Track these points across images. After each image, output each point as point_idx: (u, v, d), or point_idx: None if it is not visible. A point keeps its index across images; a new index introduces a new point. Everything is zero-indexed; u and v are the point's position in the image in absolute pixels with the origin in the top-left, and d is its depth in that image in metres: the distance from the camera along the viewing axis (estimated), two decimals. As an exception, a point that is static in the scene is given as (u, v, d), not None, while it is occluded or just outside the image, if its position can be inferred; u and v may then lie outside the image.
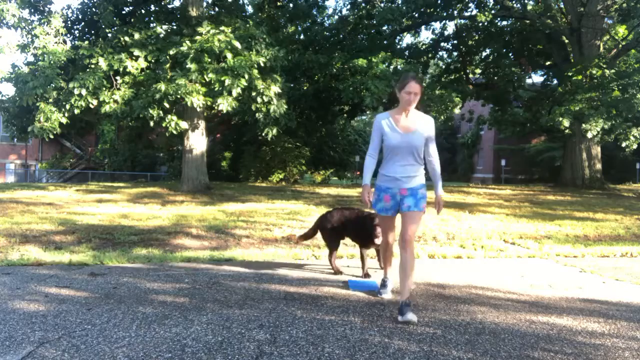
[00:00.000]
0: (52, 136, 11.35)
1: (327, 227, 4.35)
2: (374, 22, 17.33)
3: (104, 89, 11.00)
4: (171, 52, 11.10)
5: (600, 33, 16.90)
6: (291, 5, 18.44)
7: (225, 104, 10.75)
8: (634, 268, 4.96)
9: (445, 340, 2.81)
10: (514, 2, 18.84)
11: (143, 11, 13.62)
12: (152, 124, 11.51)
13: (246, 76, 10.77)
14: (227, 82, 10.56)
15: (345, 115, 22.27)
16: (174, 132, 11.60)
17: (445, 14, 18.63)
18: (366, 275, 4.20)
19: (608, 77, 14.88)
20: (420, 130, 3.35)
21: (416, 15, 18.22)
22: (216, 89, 10.77)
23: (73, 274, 4.24)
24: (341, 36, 18.01)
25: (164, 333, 2.81)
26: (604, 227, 7.64)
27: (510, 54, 20.49)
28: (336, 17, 21.21)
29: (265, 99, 11.56)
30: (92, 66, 10.90)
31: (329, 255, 4.42)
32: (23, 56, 24.95)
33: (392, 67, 16.24)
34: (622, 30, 16.28)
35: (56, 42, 11.31)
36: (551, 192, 14.90)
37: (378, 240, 3.84)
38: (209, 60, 10.78)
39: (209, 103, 11.09)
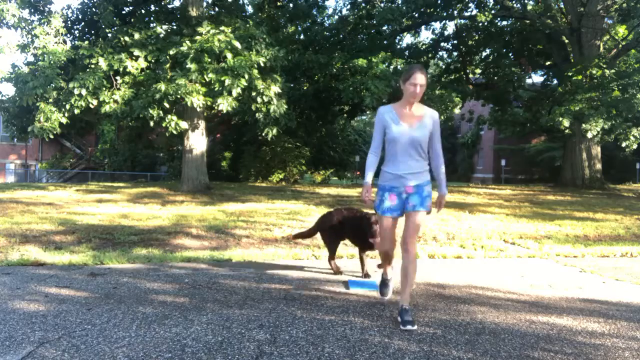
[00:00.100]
0: (52, 136, 11.35)
1: (326, 227, 4.34)
2: (374, 22, 17.33)
3: (104, 89, 11.00)
4: (171, 52, 11.10)
5: (600, 33, 16.90)
6: (291, 5, 18.44)
7: (225, 104, 10.75)
8: (634, 268, 4.96)
9: (445, 340, 2.81)
10: (514, 2, 18.84)
11: (143, 11, 13.62)
12: (152, 124, 11.51)
13: (246, 76, 10.77)
14: (227, 82, 10.56)
15: (345, 115, 22.27)
16: (174, 132, 11.60)
17: (445, 14, 18.64)
18: (366, 275, 4.20)
19: (608, 77, 14.88)
20: (425, 124, 3.20)
21: (416, 15, 18.22)
22: (216, 89, 10.77)
23: (73, 274, 4.24)
24: (341, 36, 18.02)
25: (164, 333, 2.81)
26: (604, 227, 7.64)
27: (510, 54, 20.50)
28: (336, 17, 21.23)
29: (265, 99, 11.56)
30: (92, 66, 10.91)
31: (328, 255, 4.41)
32: (23, 56, 24.98)
33: (392, 67, 16.23)
34: (622, 30, 16.28)
35: (56, 42, 11.31)
36: (551, 192, 14.90)
37: (375, 241, 3.73)
38: (209, 60, 10.78)
39: (209, 103, 11.09)
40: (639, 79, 14.43)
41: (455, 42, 20.99)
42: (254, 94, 11.40)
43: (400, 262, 3.24)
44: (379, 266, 4.14)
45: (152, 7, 13.80)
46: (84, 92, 10.70)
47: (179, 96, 10.71)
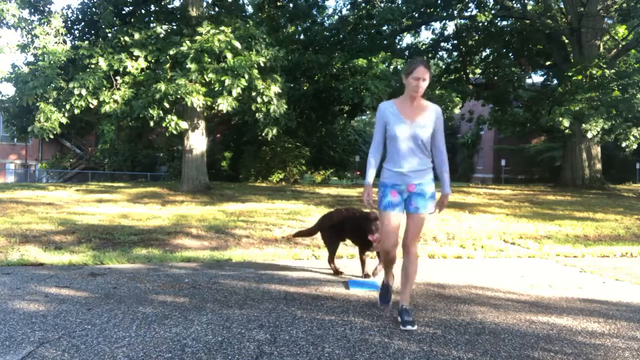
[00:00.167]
0: (52, 136, 11.36)
1: (326, 227, 4.35)
2: (374, 22, 17.33)
3: (104, 89, 11.01)
4: (171, 52, 11.10)
5: (600, 33, 16.90)
6: (291, 5, 18.45)
7: (225, 104, 10.76)
8: (634, 268, 4.96)
9: (445, 340, 2.81)
10: (514, 2, 18.84)
11: (143, 11, 13.62)
12: (152, 124, 11.52)
13: (246, 76, 10.78)
14: (227, 82, 10.56)
15: (345, 115, 22.28)
16: (174, 132, 11.60)
17: (445, 14, 18.64)
18: (366, 275, 4.19)
19: (608, 77, 14.88)
20: (428, 119, 3.07)
21: (416, 15, 18.22)
22: (216, 89, 10.78)
23: (73, 274, 4.24)
24: (341, 36, 18.02)
25: (164, 333, 2.81)
26: (604, 227, 7.64)
27: (510, 54, 20.50)
28: (336, 17, 21.23)
29: (265, 99, 11.56)
30: (92, 66, 10.91)
31: (328, 256, 4.41)
32: (23, 56, 25.00)
33: (392, 67, 16.24)
34: (622, 30, 16.29)
35: (56, 42, 11.32)
36: (551, 192, 14.90)
37: (374, 238, 3.63)
38: (209, 60, 10.78)
39: (209, 103, 11.09)
40: (639, 79, 14.43)
41: (455, 42, 20.99)
42: (254, 94, 11.40)
43: (401, 263, 3.21)
44: (373, 273, 4.10)
45: (152, 7, 13.81)
46: (84, 92, 10.71)
47: (179, 96, 10.71)
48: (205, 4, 14.19)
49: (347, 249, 5.31)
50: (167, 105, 10.99)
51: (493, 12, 18.64)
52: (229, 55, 10.83)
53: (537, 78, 24.17)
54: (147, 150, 27.62)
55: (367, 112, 23.84)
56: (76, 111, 11.01)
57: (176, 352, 2.54)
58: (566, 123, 14.94)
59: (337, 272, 4.35)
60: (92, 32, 13.13)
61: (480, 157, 40.11)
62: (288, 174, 19.27)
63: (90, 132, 29.19)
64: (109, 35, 11.79)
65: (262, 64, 11.39)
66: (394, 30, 17.99)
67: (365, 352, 2.60)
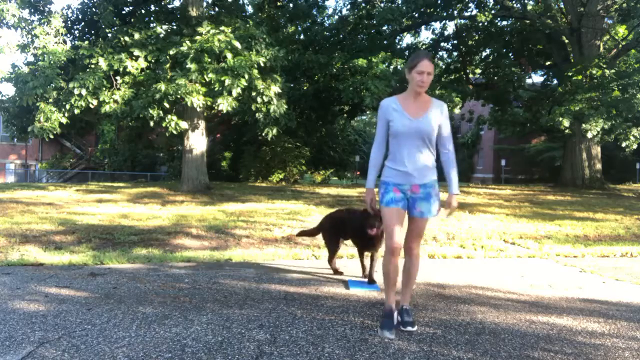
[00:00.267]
0: (52, 136, 11.36)
1: (327, 227, 4.35)
2: (374, 22, 17.33)
3: (104, 89, 11.01)
4: (171, 52, 11.10)
5: (600, 33, 16.90)
6: (291, 5, 18.45)
7: (225, 104, 10.76)
8: (634, 268, 4.96)
9: (445, 340, 2.81)
10: (514, 2, 18.84)
11: (143, 11, 13.62)
12: (152, 124, 11.51)
13: (246, 76, 10.78)
14: (227, 82, 10.56)
15: (345, 115, 22.27)
16: (174, 132, 11.60)
17: (445, 14, 18.64)
18: (369, 279, 4.18)
19: (608, 77, 14.88)
20: (433, 115, 2.93)
21: (416, 15, 18.22)
22: (216, 89, 10.78)
23: (73, 274, 4.24)
24: (341, 36, 18.02)
25: (164, 333, 2.81)
26: (604, 227, 7.65)
27: (510, 54, 20.50)
28: (336, 17, 21.23)
29: (265, 99, 11.56)
30: (92, 66, 10.91)
31: (328, 256, 4.41)
32: (23, 56, 25.02)
33: (392, 67, 16.23)
34: (622, 30, 16.29)
35: (56, 42, 11.32)
36: (551, 192, 14.90)
37: (374, 232, 3.51)
38: (209, 60, 10.78)
39: (209, 103, 11.09)
40: (639, 79, 14.43)
41: (455, 42, 20.99)
42: (254, 94, 11.40)
43: (402, 263, 3.14)
44: (370, 281, 3.98)
45: (152, 7, 13.81)
46: (84, 92, 10.71)
47: (179, 96, 10.71)
48: (205, 4, 14.19)
49: (347, 249, 5.31)
50: (167, 105, 10.99)
51: (493, 12, 18.63)
52: (229, 55, 10.83)
53: (537, 78, 24.20)
54: (147, 150, 27.63)
55: (367, 112, 23.83)
56: (76, 111, 11.01)
57: (176, 352, 2.54)
58: (566, 123, 14.94)
59: (337, 272, 4.34)
60: (92, 32, 13.13)
61: (480, 157, 40.12)
62: (288, 174, 19.27)
63: (90, 132, 29.19)
64: (109, 35, 11.79)
65: (262, 64, 11.39)
66: (394, 30, 17.99)
67: (365, 352, 2.60)
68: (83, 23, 13.49)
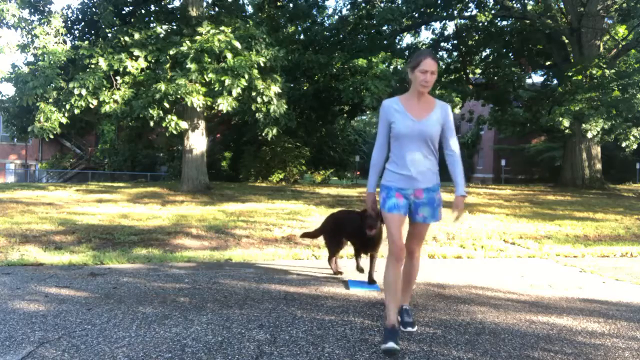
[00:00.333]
0: (52, 136, 11.36)
1: (327, 227, 4.36)
2: (374, 22, 17.33)
3: (104, 89, 11.01)
4: (171, 52, 11.10)
5: (600, 33, 16.90)
6: (291, 5, 18.44)
7: (225, 104, 10.76)
8: (634, 268, 4.96)
9: (445, 340, 2.81)
10: (514, 2, 18.84)
11: (143, 11, 13.62)
12: (152, 124, 11.52)
13: (246, 76, 10.78)
14: (227, 82, 10.56)
15: (345, 115, 22.27)
16: (174, 132, 11.61)
17: (445, 14, 18.64)
18: (369, 279, 4.17)
19: (608, 77, 14.88)
20: (437, 116, 2.83)
21: (416, 15, 18.22)
22: (216, 89, 10.78)
23: (73, 274, 4.24)
24: (341, 36, 18.02)
25: (164, 333, 2.81)
26: (604, 227, 7.64)
27: (510, 54, 20.50)
28: (336, 17, 21.23)
29: (265, 99, 11.56)
30: (92, 66, 10.91)
31: (328, 255, 4.41)
32: (23, 56, 24.99)
33: (392, 67, 16.23)
34: (622, 30, 16.29)
35: (56, 42, 11.32)
36: (551, 192, 14.90)
37: (372, 232, 3.42)
38: (209, 60, 10.78)
39: (209, 103, 11.09)
40: (639, 79, 14.43)
41: (455, 42, 20.99)
42: (254, 94, 11.40)
43: (403, 265, 3.04)
44: (370, 281, 3.92)
45: (152, 7, 13.81)
46: (84, 92, 10.71)
47: (179, 96, 10.71)
48: (205, 4, 14.19)
49: (348, 249, 5.31)
50: (167, 105, 10.99)
51: (493, 12, 18.63)
52: (229, 55, 10.83)
53: (537, 78, 24.19)
54: (147, 150, 27.63)
55: (367, 112, 23.82)
56: (76, 111, 11.01)
57: (176, 352, 2.54)
58: (566, 123, 14.94)
59: (337, 272, 4.34)
60: (92, 32, 13.13)
61: (480, 157, 40.13)
62: (288, 174, 19.28)
63: (90, 132, 29.18)
64: (109, 35, 11.79)
65: (262, 64, 11.39)
66: (394, 30, 17.99)
67: (365, 352, 2.60)
68: (83, 23, 13.49)
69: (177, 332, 2.83)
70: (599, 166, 17.92)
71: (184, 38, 11.13)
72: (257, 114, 12.06)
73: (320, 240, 4.92)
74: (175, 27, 12.94)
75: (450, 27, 21.22)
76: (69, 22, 13.20)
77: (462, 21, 19.93)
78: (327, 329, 2.93)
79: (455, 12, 18.75)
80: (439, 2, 17.56)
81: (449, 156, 2.90)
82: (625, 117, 14.92)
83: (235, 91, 10.67)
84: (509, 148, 34.46)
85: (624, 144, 16.88)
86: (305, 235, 4.84)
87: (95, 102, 11.06)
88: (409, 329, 2.94)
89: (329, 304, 3.47)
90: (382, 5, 18.43)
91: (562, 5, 18.71)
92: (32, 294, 3.59)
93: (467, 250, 5.75)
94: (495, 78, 20.49)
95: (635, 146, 16.94)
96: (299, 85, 18.40)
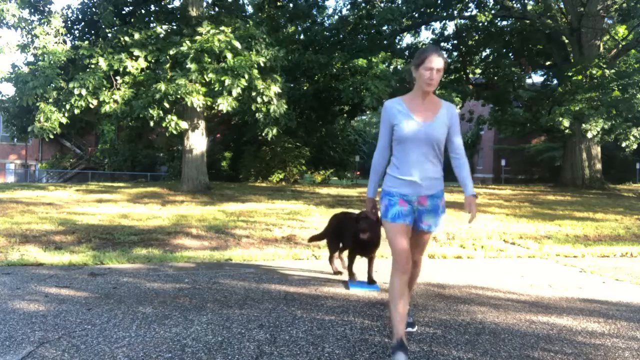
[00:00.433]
0: (52, 136, 11.36)
1: (329, 228, 4.37)
2: (374, 22, 17.33)
3: (104, 89, 11.01)
4: (171, 52, 11.10)
5: (600, 33, 16.90)
6: (291, 5, 18.45)
7: (225, 104, 10.76)
8: (634, 268, 4.96)
9: (445, 340, 2.81)
10: (514, 2, 18.84)
11: (143, 11, 13.62)
12: (152, 124, 11.52)
13: (246, 76, 10.78)
14: (227, 82, 10.56)
15: (345, 115, 22.27)
16: (174, 132, 11.61)
17: (445, 14, 18.64)
18: (370, 279, 4.17)
19: (608, 77, 14.88)
20: (442, 118, 2.64)
21: (416, 15, 18.22)
22: (216, 89, 10.78)
23: (73, 274, 4.24)
24: (341, 36, 18.01)
25: (164, 333, 2.81)
26: (604, 227, 7.64)
27: (510, 54, 20.51)
28: (336, 17, 21.23)
29: (265, 99, 11.57)
30: (92, 66, 10.91)
31: (329, 256, 4.41)
32: (23, 56, 25.01)
33: (392, 67, 16.23)
34: (622, 30, 16.29)
35: (56, 42, 11.32)
36: (551, 192, 14.90)
37: (366, 236, 3.35)
38: (209, 60, 10.79)
39: (209, 103, 11.09)
40: (639, 79, 14.43)
41: (455, 42, 20.99)
42: (254, 94, 11.40)
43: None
44: (370, 281, 3.89)
45: (152, 7, 13.80)
46: (84, 92, 10.71)
47: (179, 96, 10.71)
48: (205, 4, 14.19)
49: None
50: (167, 105, 10.99)
51: (493, 12, 18.64)
52: (229, 55, 10.83)
53: (537, 78, 24.19)
54: (147, 150, 27.62)
55: (367, 112, 23.82)
56: (76, 111, 11.01)
57: (176, 352, 2.54)
58: (566, 123, 14.94)
59: (337, 272, 4.35)
60: (92, 32, 13.13)
61: (480, 157, 40.13)
62: (288, 174, 19.28)
63: (90, 132, 29.18)
64: (109, 35, 11.79)
65: (262, 64, 11.39)
66: (394, 30, 17.98)
67: (365, 352, 2.60)
68: (83, 23, 13.49)
69: (177, 332, 2.83)
70: (599, 166, 17.92)
71: (184, 38, 11.13)
72: (257, 114, 12.06)
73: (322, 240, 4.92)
74: (175, 27, 12.94)
75: (450, 27, 21.26)
76: (69, 22, 13.20)
77: (462, 21, 19.93)
78: (327, 329, 2.93)
79: (455, 12, 18.75)
80: (439, 2, 17.56)
81: (456, 159, 2.73)
82: (625, 117, 14.92)
83: (235, 91, 10.67)
84: (509, 148, 34.46)
85: (624, 144, 16.88)
86: (313, 239, 4.76)
87: (95, 102, 11.06)
88: (409, 329, 2.94)
89: (329, 304, 3.47)
90: (382, 5, 18.43)
91: (562, 5, 18.71)
92: (32, 294, 3.59)
93: (467, 250, 5.75)
94: (495, 78, 20.50)
95: (635, 146, 16.94)
96: (299, 85, 18.40)
